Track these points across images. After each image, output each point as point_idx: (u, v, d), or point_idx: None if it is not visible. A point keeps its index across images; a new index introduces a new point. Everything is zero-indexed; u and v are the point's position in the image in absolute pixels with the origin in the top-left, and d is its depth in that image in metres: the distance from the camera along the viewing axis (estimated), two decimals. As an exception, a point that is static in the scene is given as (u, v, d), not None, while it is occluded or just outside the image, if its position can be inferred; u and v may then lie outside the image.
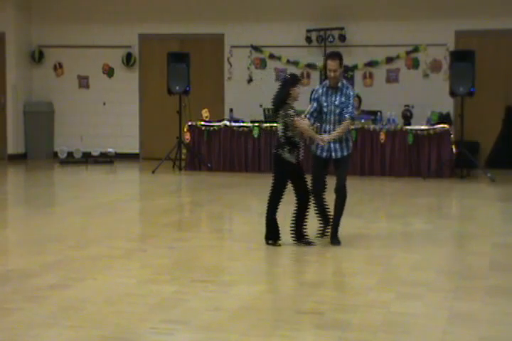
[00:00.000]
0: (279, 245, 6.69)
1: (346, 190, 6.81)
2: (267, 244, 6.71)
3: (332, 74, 6.74)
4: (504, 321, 4.54)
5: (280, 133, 6.67)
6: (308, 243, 6.70)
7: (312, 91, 7.04)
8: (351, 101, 6.79)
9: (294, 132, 6.62)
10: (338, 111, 6.77)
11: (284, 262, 6.34)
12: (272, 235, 6.73)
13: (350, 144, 6.89)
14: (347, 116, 6.76)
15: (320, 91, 6.87)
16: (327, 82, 6.90)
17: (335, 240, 6.78)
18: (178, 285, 5.33)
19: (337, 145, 6.79)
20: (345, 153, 6.83)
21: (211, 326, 4.41)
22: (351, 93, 6.81)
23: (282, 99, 6.63)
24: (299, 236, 6.70)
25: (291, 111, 6.59)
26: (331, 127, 6.80)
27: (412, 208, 9.24)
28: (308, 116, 6.83)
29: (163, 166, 12.97)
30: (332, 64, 6.72)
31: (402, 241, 7.01)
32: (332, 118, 6.79)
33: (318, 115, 6.85)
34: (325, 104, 6.81)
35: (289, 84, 6.64)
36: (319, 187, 6.85)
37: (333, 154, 6.80)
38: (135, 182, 12.70)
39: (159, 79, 14.47)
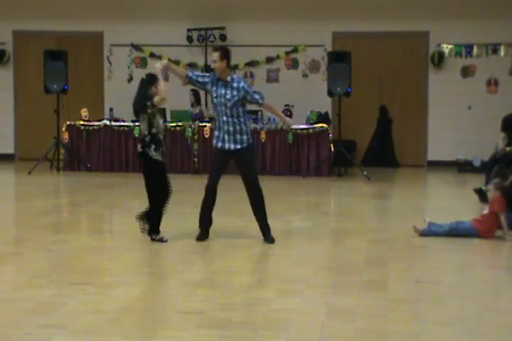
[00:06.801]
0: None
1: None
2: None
3: (212, 65, 6.93)
4: (378, 313, 4.71)
5: (145, 131, 6.72)
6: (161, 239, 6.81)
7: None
8: (250, 91, 6.87)
9: (158, 129, 6.70)
10: (229, 104, 6.81)
11: (164, 262, 6.31)
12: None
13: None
14: (260, 102, 6.90)
15: (212, 77, 6.93)
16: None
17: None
18: (56, 289, 5.19)
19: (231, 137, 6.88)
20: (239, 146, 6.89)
21: (91, 329, 4.32)
22: (245, 85, 6.88)
23: (142, 101, 6.65)
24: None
25: (150, 110, 6.66)
26: (223, 119, 6.85)
27: (292, 206, 9.40)
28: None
29: (40, 167, 12.60)
30: (213, 55, 6.89)
31: (282, 238, 7.11)
32: (224, 110, 6.84)
33: (197, 78, 6.91)
34: (214, 94, 6.89)
35: (145, 84, 6.68)
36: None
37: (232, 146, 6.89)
38: (10, 184, 12.25)
39: (36, 78, 14.05)
